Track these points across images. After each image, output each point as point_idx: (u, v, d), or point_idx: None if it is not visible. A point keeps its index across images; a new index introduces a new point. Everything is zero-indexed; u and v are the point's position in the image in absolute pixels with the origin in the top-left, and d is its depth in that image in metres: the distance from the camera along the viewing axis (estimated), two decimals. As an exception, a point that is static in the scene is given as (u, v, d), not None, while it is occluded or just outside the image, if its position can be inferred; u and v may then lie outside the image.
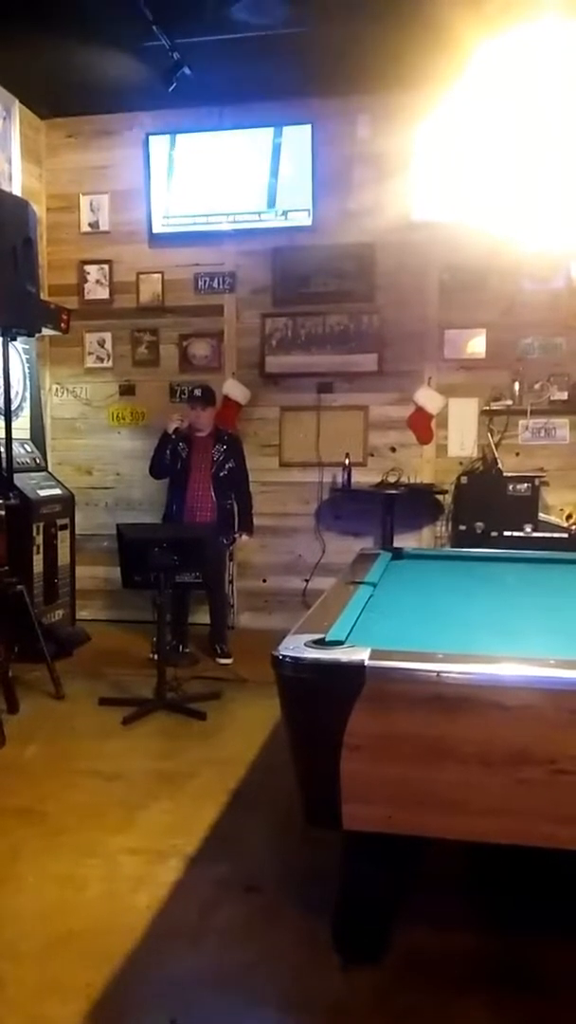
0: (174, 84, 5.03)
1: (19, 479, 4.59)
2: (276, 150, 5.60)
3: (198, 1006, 2.01)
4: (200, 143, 5.70)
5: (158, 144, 5.75)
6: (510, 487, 5.17)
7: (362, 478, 5.60)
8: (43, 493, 5.14)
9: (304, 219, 5.62)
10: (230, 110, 5.60)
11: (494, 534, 5.06)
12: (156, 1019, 1.95)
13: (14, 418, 4.73)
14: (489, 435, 5.49)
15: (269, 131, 5.59)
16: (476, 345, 5.55)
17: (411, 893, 2.33)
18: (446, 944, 2.20)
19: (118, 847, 2.75)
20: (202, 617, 5.25)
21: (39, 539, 5.01)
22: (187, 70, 4.96)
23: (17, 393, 5.13)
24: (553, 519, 5.24)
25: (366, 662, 1.85)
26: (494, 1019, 1.94)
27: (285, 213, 5.64)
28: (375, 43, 4.76)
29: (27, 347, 5.35)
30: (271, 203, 5.65)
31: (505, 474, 5.25)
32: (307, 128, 5.52)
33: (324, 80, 5.30)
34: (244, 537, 5.23)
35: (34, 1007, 1.98)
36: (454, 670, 1.83)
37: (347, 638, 2.09)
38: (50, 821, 2.94)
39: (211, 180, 5.71)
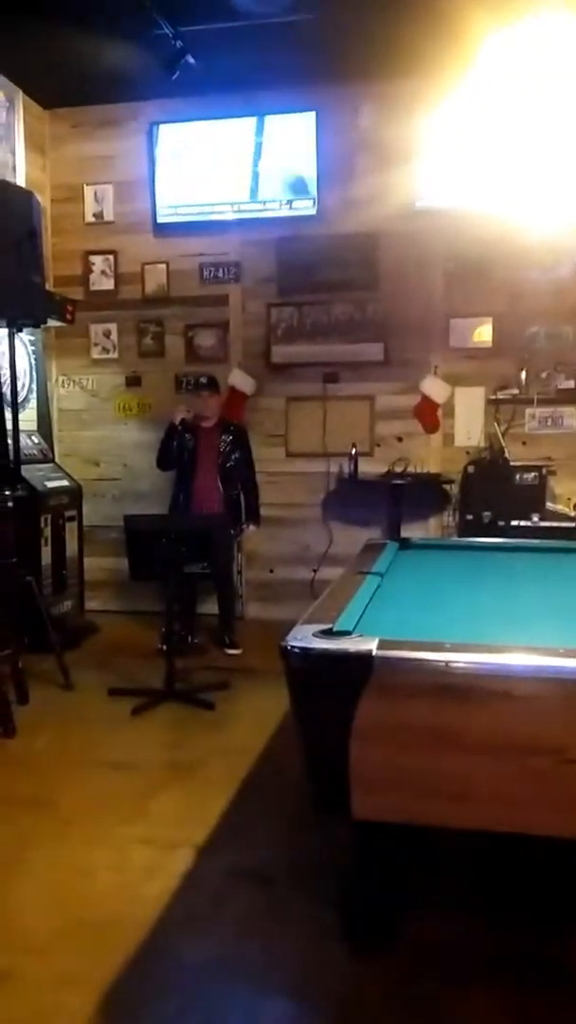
0: (177, 73, 5.00)
1: (26, 471, 4.59)
2: (279, 138, 5.56)
3: (209, 995, 2.01)
4: (204, 132, 5.67)
5: (162, 133, 5.72)
6: (517, 476, 5.15)
7: (369, 468, 5.59)
8: (50, 485, 5.15)
9: (308, 208, 5.59)
10: (234, 98, 5.56)
11: (501, 523, 5.04)
12: (167, 1008, 1.96)
13: (21, 410, 4.71)
14: (496, 424, 5.47)
15: (273, 119, 5.56)
16: (482, 334, 5.51)
17: (420, 882, 2.34)
18: (455, 933, 2.21)
19: (128, 837, 2.76)
20: (210, 608, 5.25)
21: (47, 531, 5.02)
22: (191, 59, 4.93)
23: (23, 385, 5.13)
24: (560, 508, 5.22)
25: (374, 652, 1.85)
26: (503, 1008, 1.94)
27: (289, 202, 5.62)
28: (379, 31, 4.72)
29: (33, 339, 5.36)
30: (274, 192, 5.61)
31: (512, 463, 5.22)
32: (311, 116, 5.48)
33: (328, 68, 5.25)
34: (251, 528, 5.23)
35: (45, 997, 1.99)
36: (462, 660, 1.83)
37: (355, 628, 2.08)
38: (60, 811, 2.95)
39: (214, 169, 5.68)
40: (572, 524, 5.02)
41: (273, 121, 5.56)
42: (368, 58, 5.11)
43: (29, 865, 2.61)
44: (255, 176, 5.63)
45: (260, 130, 5.59)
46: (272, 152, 5.59)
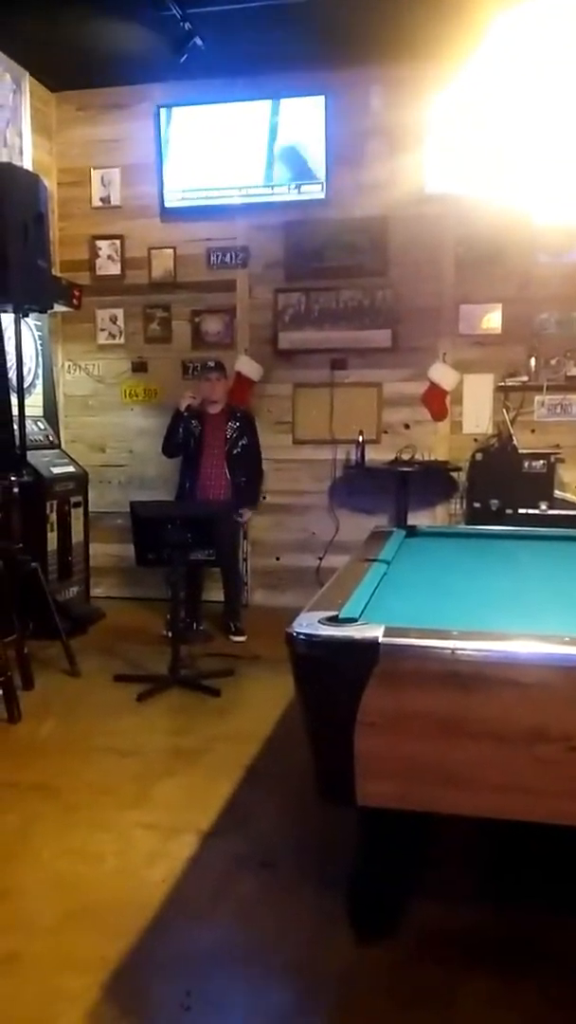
0: (185, 55, 4.96)
1: (32, 457, 4.59)
2: (288, 122, 5.51)
3: (212, 980, 2.02)
4: (212, 115, 5.63)
5: (169, 117, 5.67)
6: (525, 464, 5.12)
7: (376, 455, 5.56)
8: (56, 471, 5.14)
9: (317, 192, 5.54)
10: (242, 81, 5.51)
11: (509, 512, 5.01)
12: (171, 992, 1.96)
13: (27, 395, 4.71)
14: (504, 412, 5.44)
15: (281, 102, 5.50)
16: (492, 320, 5.48)
17: (424, 869, 2.34)
18: (459, 919, 2.21)
19: (133, 822, 2.76)
20: (216, 594, 5.25)
21: (53, 517, 5.02)
22: (199, 41, 4.88)
23: (30, 370, 5.11)
24: (569, 496, 5.19)
25: (380, 639, 1.84)
26: (506, 994, 1.94)
27: (298, 186, 5.57)
28: (389, 13, 4.67)
29: (39, 324, 5.33)
30: (283, 176, 5.57)
31: (520, 451, 5.19)
32: (320, 100, 5.43)
33: (337, 51, 5.20)
34: (248, 513, 5.22)
35: (50, 980, 2.00)
36: (469, 647, 1.82)
37: (361, 615, 2.07)
38: (65, 796, 2.96)
39: (223, 153, 5.63)
40: (580, 513, 5.00)
41: (282, 105, 5.51)
42: (378, 41, 5.05)
43: (34, 849, 2.62)
44: (268, 160, 5.57)
45: (269, 114, 5.53)
46: (281, 136, 5.54)
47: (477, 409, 5.56)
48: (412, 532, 3.83)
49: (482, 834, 2.55)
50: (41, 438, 5.22)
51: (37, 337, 5.32)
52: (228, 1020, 1.92)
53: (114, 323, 6.01)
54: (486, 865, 2.49)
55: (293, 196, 5.59)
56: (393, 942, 2.11)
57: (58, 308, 5.24)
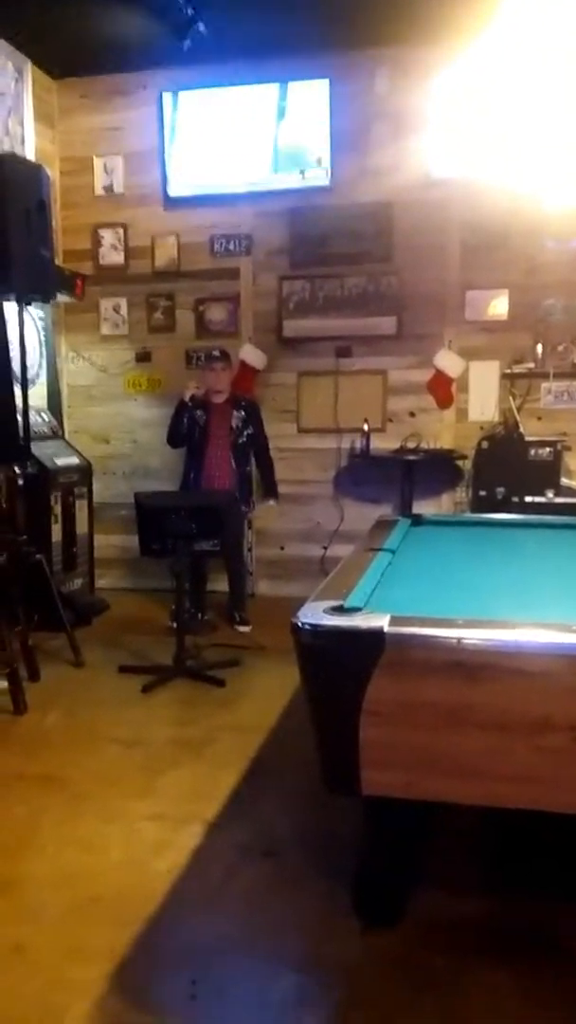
0: (188, 41, 4.90)
1: (36, 448, 4.58)
2: (292, 107, 5.46)
3: (218, 969, 2.02)
4: (215, 101, 5.58)
5: (172, 103, 5.63)
6: (532, 452, 5.09)
7: (381, 444, 5.53)
8: (60, 462, 5.13)
9: (321, 178, 5.49)
10: (245, 66, 5.44)
11: (515, 500, 4.99)
12: (177, 982, 1.96)
13: (30, 386, 4.70)
14: (511, 399, 5.40)
15: (285, 87, 5.45)
16: (498, 307, 5.43)
17: (430, 858, 2.33)
18: (464, 909, 2.21)
19: (139, 813, 2.77)
20: (221, 585, 5.24)
21: (57, 508, 5.01)
22: (201, 26, 4.83)
23: (33, 361, 5.10)
24: (575, 484, 5.16)
25: (385, 628, 1.83)
26: (511, 983, 1.93)
27: (302, 172, 5.53)
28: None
29: (42, 314, 5.31)
30: (287, 162, 5.53)
31: (527, 439, 5.16)
32: (324, 83, 5.37)
33: (341, 34, 5.14)
34: (271, 502, 5.21)
35: (57, 970, 2.00)
36: (474, 636, 1.81)
37: (366, 605, 2.07)
38: (71, 788, 2.96)
39: (226, 139, 5.58)
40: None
41: (285, 90, 5.45)
42: (382, 24, 4.99)
43: (40, 840, 2.62)
44: (271, 146, 5.52)
45: (273, 99, 5.48)
46: (285, 121, 5.49)
47: (483, 396, 5.53)
48: (417, 521, 3.82)
49: (487, 823, 2.54)
50: (45, 429, 5.21)
51: (40, 327, 5.31)
52: (234, 1010, 1.91)
53: (117, 312, 5.99)
54: (492, 854, 2.49)
55: (297, 183, 5.54)
56: (399, 931, 2.11)
57: (61, 298, 5.23)
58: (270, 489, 5.17)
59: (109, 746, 3.32)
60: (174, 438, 5.14)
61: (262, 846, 2.54)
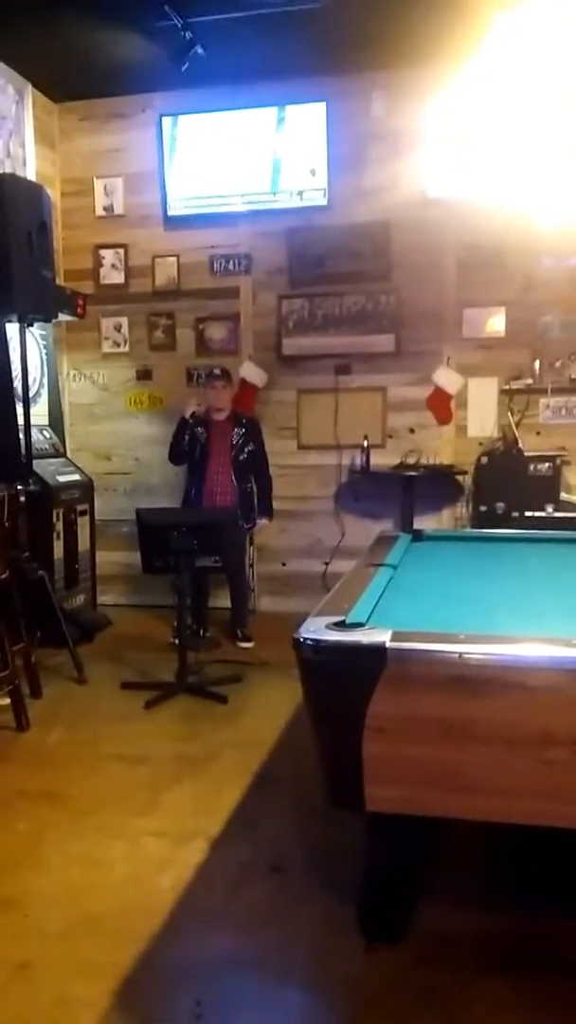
0: (187, 64, 4.98)
1: (38, 465, 4.60)
2: (289, 129, 5.53)
3: (222, 986, 2.02)
4: (214, 123, 5.65)
5: (171, 125, 5.70)
6: (531, 467, 5.11)
7: (381, 460, 5.56)
8: (62, 479, 5.16)
9: (319, 198, 5.56)
10: (243, 89, 5.53)
11: (515, 515, 5.01)
12: (181, 999, 1.96)
13: (32, 404, 4.73)
14: (509, 415, 5.43)
15: (283, 110, 5.53)
16: (495, 324, 5.48)
17: (434, 873, 2.33)
18: (468, 925, 2.20)
19: (142, 829, 2.77)
20: (223, 601, 5.25)
21: (59, 525, 5.03)
22: (200, 50, 4.90)
23: (35, 379, 5.14)
24: (575, 499, 5.18)
25: (387, 644, 1.84)
26: (515, 1000, 1.93)
27: (300, 193, 5.59)
28: (389, 18, 4.68)
29: (44, 333, 5.36)
30: (285, 182, 5.59)
31: (526, 454, 5.19)
32: (321, 106, 5.45)
33: (338, 57, 5.22)
34: (264, 521, 5.23)
35: (61, 987, 2.00)
36: (476, 651, 1.82)
37: (368, 620, 2.07)
38: (74, 804, 2.96)
39: (225, 161, 5.65)
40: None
41: (283, 112, 5.53)
42: (378, 46, 5.07)
43: (44, 857, 2.62)
44: (270, 167, 5.58)
45: (271, 121, 5.55)
46: (282, 142, 5.56)
47: (482, 412, 5.56)
48: (418, 536, 3.83)
49: (491, 838, 2.54)
50: (47, 446, 5.24)
51: (42, 346, 5.35)
52: (239, 1027, 1.91)
53: (118, 331, 6.03)
54: (496, 869, 2.49)
55: (295, 202, 5.61)
56: (402, 947, 2.11)
57: (63, 317, 5.27)
58: (265, 507, 5.19)
59: (112, 762, 3.32)
60: (175, 455, 5.17)
61: (266, 862, 2.54)
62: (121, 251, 5.97)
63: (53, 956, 2.12)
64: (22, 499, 4.17)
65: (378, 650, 1.84)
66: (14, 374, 4.24)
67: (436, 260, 5.51)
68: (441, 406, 5.56)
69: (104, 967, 2.05)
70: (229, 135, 5.62)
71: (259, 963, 2.11)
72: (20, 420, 4.23)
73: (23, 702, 3.70)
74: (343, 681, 1.88)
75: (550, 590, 2.80)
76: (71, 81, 5.63)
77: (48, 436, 5.36)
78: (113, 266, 6.00)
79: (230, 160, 5.64)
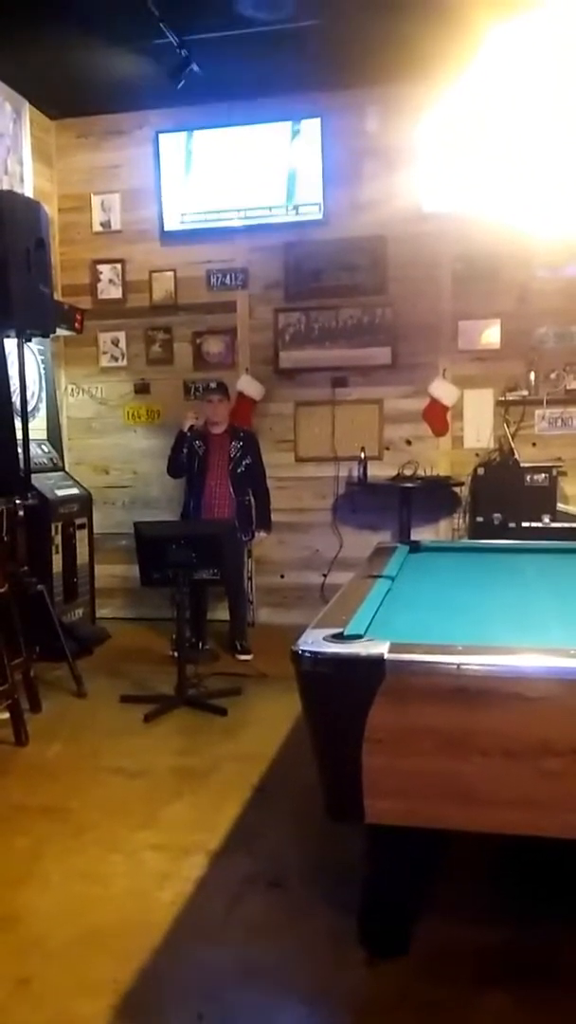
0: (182, 81, 5.02)
1: (37, 479, 4.61)
2: (285, 145, 5.58)
3: (224, 1001, 2.01)
4: (209, 140, 5.70)
5: (168, 142, 5.75)
6: (527, 478, 5.13)
7: (378, 472, 5.58)
8: (61, 493, 5.17)
9: (315, 213, 5.60)
10: (239, 106, 5.58)
11: (512, 525, 5.02)
12: (183, 1014, 1.96)
13: (31, 419, 4.75)
14: (505, 426, 5.46)
15: (278, 126, 5.58)
16: (490, 335, 5.51)
17: (436, 886, 2.33)
18: (470, 938, 2.20)
19: (142, 843, 2.76)
20: (221, 614, 5.26)
21: (58, 539, 5.04)
22: (195, 67, 4.95)
23: (33, 394, 5.16)
24: (571, 509, 5.20)
25: (385, 655, 1.85)
26: (518, 1013, 1.93)
27: (296, 208, 5.63)
28: (383, 34, 4.72)
29: (42, 348, 5.38)
30: (281, 197, 5.63)
31: (522, 465, 5.21)
32: (316, 122, 5.50)
33: (332, 73, 5.28)
34: (262, 534, 5.24)
35: (61, 1003, 1.99)
36: (474, 662, 1.82)
37: (366, 632, 2.08)
38: (74, 818, 2.96)
39: (221, 177, 5.70)
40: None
41: (279, 127, 5.58)
42: (372, 62, 5.12)
43: (44, 872, 2.62)
44: (266, 182, 5.62)
45: (267, 137, 5.60)
46: (278, 158, 5.61)
47: (478, 424, 5.58)
48: (416, 548, 3.84)
49: (493, 849, 2.54)
50: (45, 461, 5.25)
51: (40, 361, 5.37)
52: (241, 1042, 1.91)
53: (116, 346, 6.06)
54: (498, 881, 2.48)
55: (291, 217, 5.65)
56: (404, 961, 2.10)
57: (60, 332, 5.29)
58: (263, 520, 5.20)
59: (111, 776, 3.32)
60: (174, 468, 5.18)
61: (267, 876, 2.54)
62: (118, 266, 6.00)
63: (54, 972, 2.11)
64: (21, 513, 4.19)
65: (376, 662, 1.84)
66: (13, 389, 4.26)
67: (431, 273, 5.55)
68: (437, 418, 5.58)
69: (105, 982, 2.04)
70: (225, 151, 5.66)
71: (260, 977, 2.10)
72: (19, 434, 4.25)
73: (22, 716, 3.69)
74: (342, 693, 1.88)
75: (548, 600, 2.81)
76: (68, 98, 5.68)
77: (47, 450, 5.37)
78: (111, 281, 6.03)
79: (226, 176, 5.68)
